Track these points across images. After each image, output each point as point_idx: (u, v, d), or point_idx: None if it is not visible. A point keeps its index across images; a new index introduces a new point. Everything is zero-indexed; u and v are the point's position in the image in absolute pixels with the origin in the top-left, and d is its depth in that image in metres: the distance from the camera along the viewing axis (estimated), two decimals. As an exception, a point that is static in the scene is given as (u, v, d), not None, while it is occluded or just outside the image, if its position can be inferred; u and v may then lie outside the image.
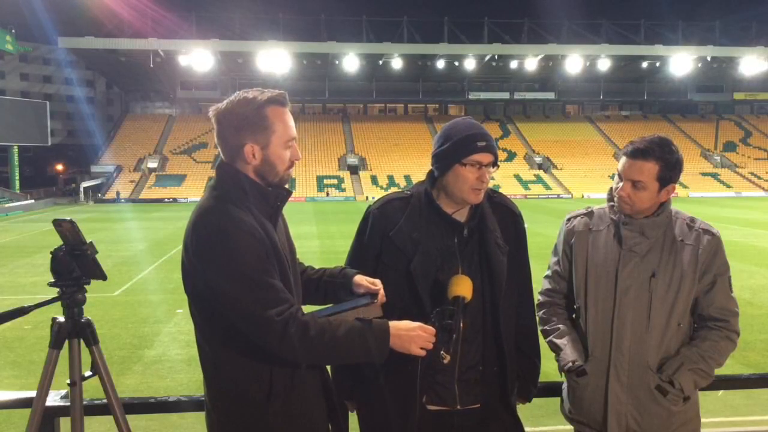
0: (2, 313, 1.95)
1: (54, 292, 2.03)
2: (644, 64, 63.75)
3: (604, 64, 60.80)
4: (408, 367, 2.10)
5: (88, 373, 2.09)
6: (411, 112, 73.22)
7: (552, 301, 2.50)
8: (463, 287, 2.03)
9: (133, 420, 2.17)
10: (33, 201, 47.22)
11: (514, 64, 62.74)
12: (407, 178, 54.57)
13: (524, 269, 2.37)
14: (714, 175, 58.99)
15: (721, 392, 4.13)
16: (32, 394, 2.10)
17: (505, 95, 70.42)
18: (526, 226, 2.41)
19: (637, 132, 56.74)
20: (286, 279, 1.89)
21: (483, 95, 70.46)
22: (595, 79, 67.03)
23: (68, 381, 2.06)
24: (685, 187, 52.52)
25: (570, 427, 2.47)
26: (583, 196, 52.42)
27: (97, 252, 2.03)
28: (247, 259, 1.77)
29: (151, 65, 55.06)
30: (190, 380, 8.38)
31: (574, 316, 2.45)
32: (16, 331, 10.59)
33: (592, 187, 52.72)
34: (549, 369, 2.52)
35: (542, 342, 2.43)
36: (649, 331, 2.24)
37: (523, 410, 2.41)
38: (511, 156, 61.53)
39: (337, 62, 60.05)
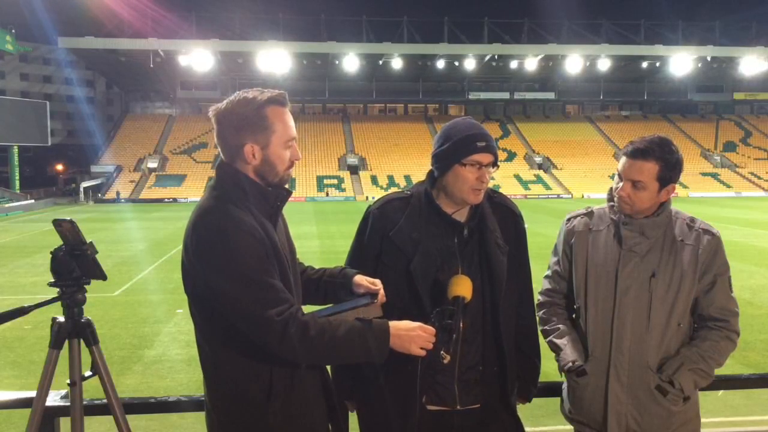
0: (2, 313, 1.95)
1: (54, 292, 2.03)
2: (644, 64, 63.74)
3: (604, 64, 60.79)
4: (408, 367, 2.10)
5: (88, 373, 2.09)
6: (411, 112, 73.20)
7: (552, 301, 2.50)
8: (463, 287, 2.02)
9: (133, 420, 2.17)
10: (33, 201, 47.21)
11: (514, 64, 62.73)
12: (407, 178, 54.56)
13: (524, 269, 2.36)
14: (714, 175, 59.00)
15: (721, 392, 4.13)
16: (32, 394, 2.10)
17: (505, 95, 70.40)
18: (526, 226, 2.41)
19: (637, 132, 56.72)
20: (286, 279, 1.89)
21: (483, 95, 70.43)
22: (595, 79, 67.02)
23: (68, 381, 2.06)
24: (685, 187, 52.51)
25: (570, 427, 2.47)
26: (583, 196, 52.40)
27: (97, 252, 2.03)
28: (247, 259, 1.77)
29: (151, 65, 55.07)
30: (190, 380, 8.38)
31: (574, 316, 2.45)
32: (16, 331, 10.59)
33: (592, 187, 52.71)
34: (549, 369, 2.52)
35: (542, 342, 2.43)
36: (649, 331, 2.24)
37: (523, 410, 2.42)
38: (511, 156, 61.52)
39: (337, 62, 60.03)
